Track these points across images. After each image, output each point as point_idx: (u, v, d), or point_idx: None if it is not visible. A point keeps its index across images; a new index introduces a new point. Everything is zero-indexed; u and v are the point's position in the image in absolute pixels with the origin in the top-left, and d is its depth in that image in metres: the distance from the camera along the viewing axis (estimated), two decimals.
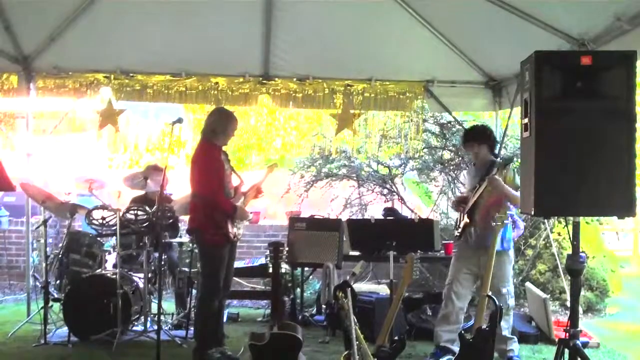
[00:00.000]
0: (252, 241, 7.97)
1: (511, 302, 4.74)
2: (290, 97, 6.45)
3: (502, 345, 4.65)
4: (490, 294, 4.08)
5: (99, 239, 5.70)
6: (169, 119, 4.97)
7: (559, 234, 7.19)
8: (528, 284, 6.38)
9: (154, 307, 5.48)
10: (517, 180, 4.70)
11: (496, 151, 5.10)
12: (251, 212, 5.33)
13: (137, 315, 5.48)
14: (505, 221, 4.25)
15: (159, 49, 5.99)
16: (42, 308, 5.29)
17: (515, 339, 4.79)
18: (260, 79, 6.36)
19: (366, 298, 5.59)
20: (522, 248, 7.35)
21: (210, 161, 4.70)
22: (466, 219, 4.76)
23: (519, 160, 4.66)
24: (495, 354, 4.66)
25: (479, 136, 4.88)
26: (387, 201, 7.92)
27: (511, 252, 4.84)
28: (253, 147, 12.95)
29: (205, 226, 4.69)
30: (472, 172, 5.00)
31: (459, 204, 4.94)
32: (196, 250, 5.48)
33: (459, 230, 4.85)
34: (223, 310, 5.05)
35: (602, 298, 7.16)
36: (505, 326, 4.68)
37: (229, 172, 4.86)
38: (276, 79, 6.37)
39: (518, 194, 4.59)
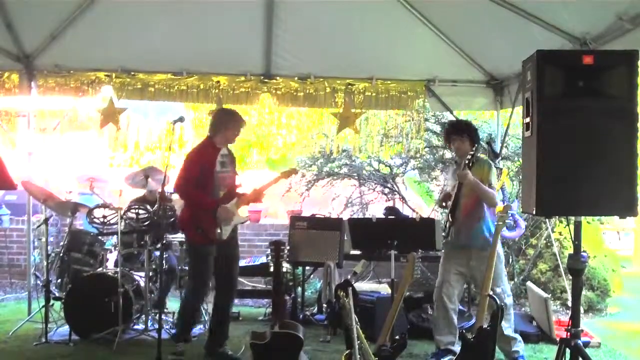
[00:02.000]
0: (253, 240, 7.98)
1: (508, 300, 4.70)
2: (291, 96, 6.45)
3: (506, 346, 4.65)
4: (491, 293, 4.07)
5: (100, 237, 5.71)
6: (170, 117, 4.98)
7: (560, 233, 7.19)
8: (529, 284, 6.38)
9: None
10: (493, 178, 4.69)
11: (479, 148, 4.99)
12: (247, 216, 5.22)
13: (138, 314, 5.48)
14: (507, 221, 4.23)
15: (160, 47, 5.99)
16: (43, 307, 5.30)
17: (520, 339, 4.77)
18: (262, 77, 6.37)
19: (367, 297, 5.59)
20: (523, 247, 7.35)
21: (193, 157, 4.71)
22: (449, 218, 4.75)
23: (520, 159, 4.66)
24: (502, 356, 4.67)
25: (462, 130, 4.79)
26: (388, 200, 7.93)
27: (500, 250, 4.78)
28: (254, 145, 12.95)
29: (187, 225, 4.72)
30: (452, 170, 4.97)
31: (443, 201, 4.94)
32: None
33: (445, 230, 4.84)
34: (228, 312, 4.97)
35: (603, 298, 7.15)
36: (507, 325, 4.66)
37: (227, 173, 4.81)
38: (277, 78, 6.38)
39: (492, 191, 4.62)
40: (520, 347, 4.72)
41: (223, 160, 4.80)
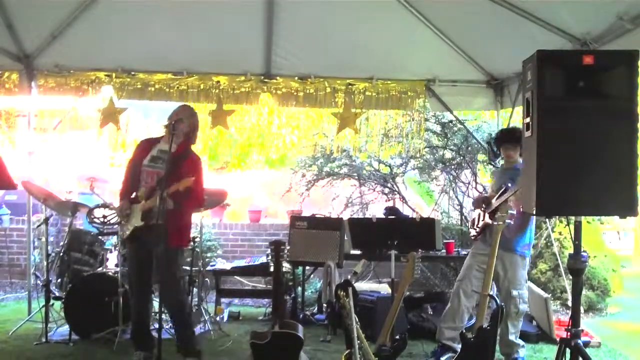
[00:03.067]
0: (253, 240, 7.98)
1: (522, 307, 4.69)
2: (291, 96, 6.45)
3: (508, 349, 4.65)
4: (495, 294, 4.06)
5: (100, 237, 5.71)
6: None
7: (560, 233, 7.19)
8: (529, 284, 6.38)
9: (155, 306, 5.47)
10: None
11: None
12: (142, 223, 4.53)
13: None
14: (507, 221, 4.22)
15: (160, 47, 5.99)
16: (43, 306, 5.30)
17: (523, 344, 4.76)
18: (262, 77, 6.36)
19: (367, 297, 5.59)
20: None
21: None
22: (487, 220, 4.70)
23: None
24: (502, 357, 4.66)
25: (517, 139, 4.63)
26: (389, 200, 7.92)
27: (527, 259, 4.81)
28: (254, 145, 12.95)
29: None
30: (499, 174, 4.95)
31: (481, 203, 4.89)
32: (197, 249, 5.51)
33: (477, 229, 4.82)
34: (174, 313, 4.80)
35: (603, 297, 7.16)
36: (513, 330, 4.64)
37: (154, 170, 4.53)
38: (278, 78, 6.38)
39: None
40: (522, 353, 4.70)
41: (157, 156, 4.60)
